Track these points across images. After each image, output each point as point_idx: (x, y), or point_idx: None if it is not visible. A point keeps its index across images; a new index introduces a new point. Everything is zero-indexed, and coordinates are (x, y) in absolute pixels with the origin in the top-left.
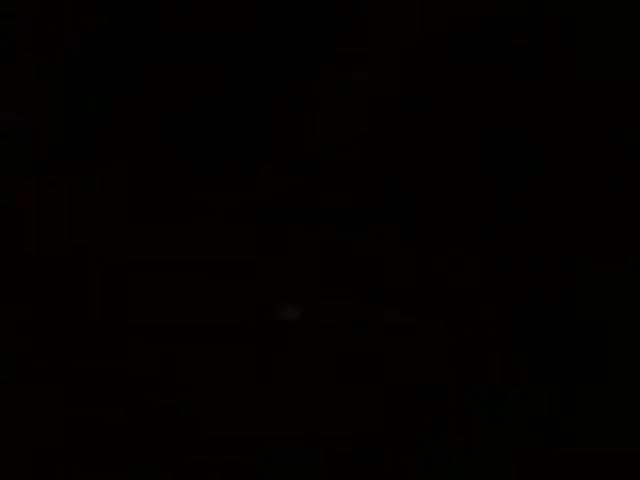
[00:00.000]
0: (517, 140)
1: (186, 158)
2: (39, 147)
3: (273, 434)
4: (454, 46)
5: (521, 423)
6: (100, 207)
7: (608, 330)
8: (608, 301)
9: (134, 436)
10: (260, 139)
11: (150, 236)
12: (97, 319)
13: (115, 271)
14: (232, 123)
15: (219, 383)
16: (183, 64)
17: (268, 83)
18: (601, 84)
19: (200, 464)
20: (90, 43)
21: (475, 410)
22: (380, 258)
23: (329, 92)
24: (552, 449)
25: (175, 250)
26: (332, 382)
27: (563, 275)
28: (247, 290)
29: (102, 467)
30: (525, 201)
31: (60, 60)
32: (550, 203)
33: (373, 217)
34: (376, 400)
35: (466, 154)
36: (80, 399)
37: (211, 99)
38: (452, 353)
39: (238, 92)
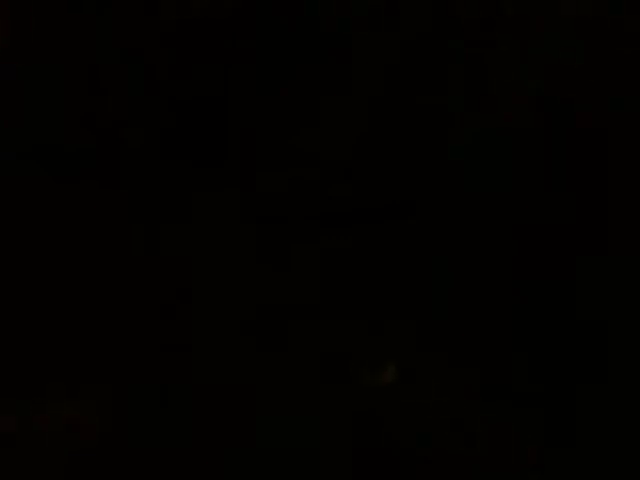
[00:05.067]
0: (516, 139)
1: (186, 158)
2: (41, 148)
3: (272, 433)
4: (454, 46)
5: (521, 423)
6: (100, 207)
7: (608, 330)
8: (608, 301)
9: (132, 435)
10: (260, 139)
11: (150, 236)
12: (97, 318)
13: (115, 271)
14: (232, 123)
15: (218, 382)
16: (183, 64)
17: (268, 84)
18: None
19: (199, 464)
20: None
21: (474, 410)
22: (380, 257)
23: (329, 92)
24: (552, 448)
25: (175, 250)
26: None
27: (563, 275)
28: (247, 290)
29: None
30: (525, 201)
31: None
32: (551, 203)
33: (373, 216)
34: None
35: (466, 154)
36: (79, 397)
37: (211, 99)
38: (452, 353)
39: (238, 92)
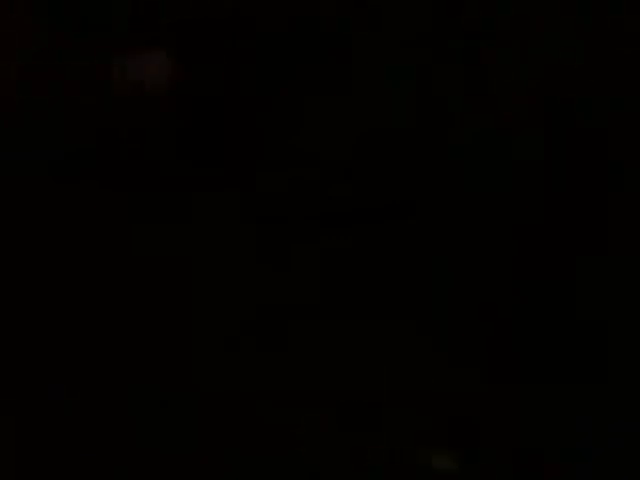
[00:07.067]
0: (516, 139)
1: (186, 158)
2: (41, 148)
3: (271, 434)
4: (454, 48)
5: (521, 423)
6: (100, 207)
7: (608, 330)
8: (608, 301)
9: (131, 436)
10: (260, 139)
11: (150, 236)
12: (97, 318)
13: (114, 270)
14: (232, 123)
15: (217, 383)
16: (184, 64)
17: (268, 84)
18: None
19: (198, 464)
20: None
21: (474, 410)
22: (380, 257)
23: (329, 92)
24: (552, 448)
25: (175, 250)
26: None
27: (563, 275)
28: (247, 290)
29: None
30: (525, 201)
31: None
32: (551, 203)
33: (373, 216)
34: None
35: (466, 154)
36: (79, 397)
37: (211, 99)
38: (452, 353)
39: (238, 92)
